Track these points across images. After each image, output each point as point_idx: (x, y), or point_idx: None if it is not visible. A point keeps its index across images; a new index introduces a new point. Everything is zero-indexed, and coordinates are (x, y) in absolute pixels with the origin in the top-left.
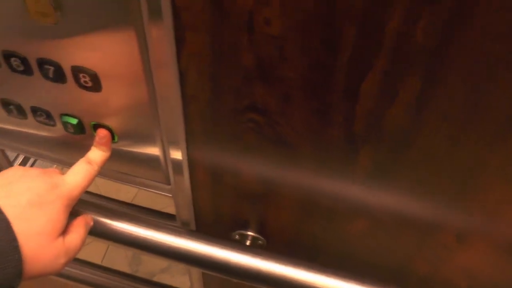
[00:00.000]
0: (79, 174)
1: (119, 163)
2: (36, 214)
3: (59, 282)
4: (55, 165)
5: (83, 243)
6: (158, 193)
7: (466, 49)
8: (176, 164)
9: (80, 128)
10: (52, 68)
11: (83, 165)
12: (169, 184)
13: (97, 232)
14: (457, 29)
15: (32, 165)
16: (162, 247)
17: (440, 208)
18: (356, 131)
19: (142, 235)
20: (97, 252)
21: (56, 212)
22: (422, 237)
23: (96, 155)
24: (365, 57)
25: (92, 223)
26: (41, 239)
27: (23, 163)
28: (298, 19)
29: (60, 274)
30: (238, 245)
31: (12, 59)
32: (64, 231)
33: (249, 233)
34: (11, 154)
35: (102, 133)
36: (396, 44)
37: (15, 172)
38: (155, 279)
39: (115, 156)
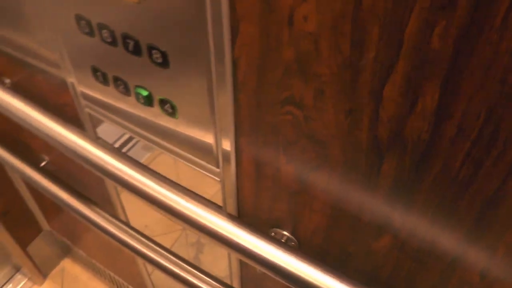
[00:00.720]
0: None
1: (176, 140)
2: None
3: (128, 256)
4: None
5: None
6: (206, 174)
7: (480, 61)
8: (225, 149)
9: (149, 100)
10: (132, 42)
11: None
12: (218, 167)
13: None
14: (472, 39)
15: (130, 149)
16: (207, 228)
17: (463, 240)
18: (380, 136)
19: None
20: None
21: None
22: (446, 271)
23: None
24: (387, 59)
25: None
26: None
27: (124, 145)
28: (330, 17)
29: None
30: (272, 240)
31: (104, 31)
32: None
33: (284, 233)
34: (111, 138)
35: None
36: (414, 49)
37: None
38: None
39: (174, 132)
